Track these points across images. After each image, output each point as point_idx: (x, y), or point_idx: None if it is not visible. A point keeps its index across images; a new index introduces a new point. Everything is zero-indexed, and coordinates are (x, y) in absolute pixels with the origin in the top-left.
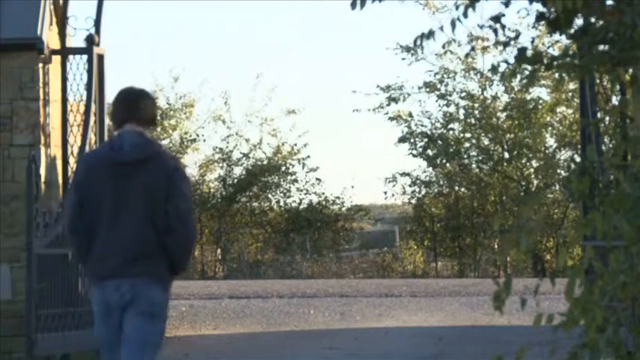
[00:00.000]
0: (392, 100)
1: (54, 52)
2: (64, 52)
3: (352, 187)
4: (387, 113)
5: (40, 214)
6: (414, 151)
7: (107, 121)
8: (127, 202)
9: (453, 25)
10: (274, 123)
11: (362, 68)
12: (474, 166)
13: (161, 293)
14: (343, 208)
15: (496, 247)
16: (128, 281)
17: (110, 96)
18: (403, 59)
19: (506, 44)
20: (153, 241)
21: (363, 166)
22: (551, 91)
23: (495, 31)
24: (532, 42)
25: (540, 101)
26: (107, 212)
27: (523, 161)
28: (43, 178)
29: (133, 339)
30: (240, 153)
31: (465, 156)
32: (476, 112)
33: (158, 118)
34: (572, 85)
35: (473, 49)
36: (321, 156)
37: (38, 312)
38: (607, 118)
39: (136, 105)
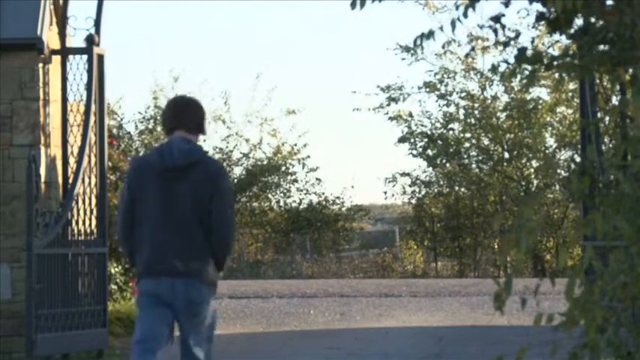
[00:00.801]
0: (392, 100)
1: (54, 52)
2: (64, 52)
3: (352, 187)
4: (387, 113)
5: (40, 214)
6: (414, 151)
7: (107, 121)
8: (176, 204)
9: (453, 25)
10: (274, 123)
11: (362, 68)
12: (473, 166)
13: (210, 291)
14: (343, 208)
15: (496, 247)
16: (181, 281)
17: (110, 96)
18: (403, 59)
19: (506, 44)
20: (200, 241)
21: (363, 166)
22: (551, 91)
23: (495, 31)
24: (532, 42)
25: (540, 101)
26: (157, 213)
27: (523, 161)
28: (43, 178)
29: (191, 337)
30: (240, 153)
31: (465, 156)
32: (476, 112)
33: (206, 124)
34: (572, 85)
35: (473, 49)
36: (321, 156)
37: (38, 312)
38: (607, 118)
39: (184, 113)
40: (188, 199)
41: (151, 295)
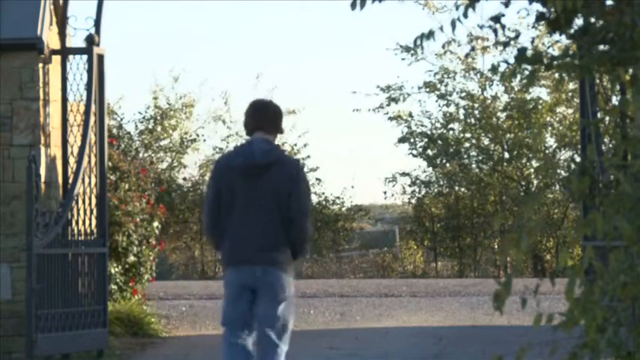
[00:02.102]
0: (392, 100)
1: (54, 52)
2: (64, 52)
3: (352, 187)
4: (387, 113)
5: (40, 214)
6: (414, 151)
7: (107, 120)
8: (257, 199)
9: (453, 25)
10: None
11: (362, 68)
12: (473, 166)
13: (287, 278)
14: (343, 208)
15: (496, 247)
16: (260, 268)
17: (110, 96)
18: (403, 59)
19: (506, 44)
20: (279, 233)
21: (363, 166)
22: (551, 91)
23: (495, 31)
24: (532, 42)
25: (540, 101)
26: (240, 208)
27: (523, 161)
28: (43, 178)
29: (267, 319)
30: None
31: (465, 156)
32: (476, 112)
33: (282, 124)
34: (572, 85)
35: (473, 49)
36: (321, 156)
37: (38, 312)
38: (607, 118)
39: (262, 116)
40: (268, 195)
41: (235, 282)
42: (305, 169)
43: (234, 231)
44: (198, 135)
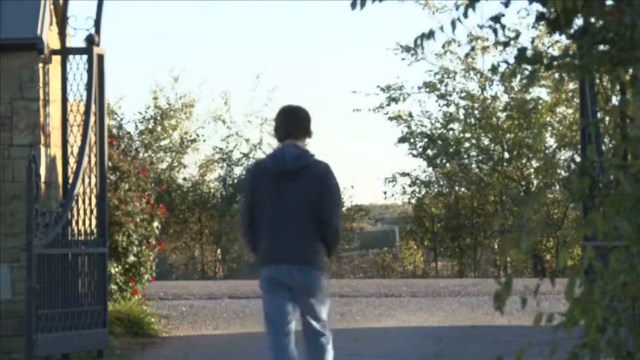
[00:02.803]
0: (392, 100)
1: (54, 52)
2: (64, 52)
3: (352, 187)
4: (387, 113)
5: (40, 214)
6: (414, 151)
7: (107, 120)
8: (290, 202)
9: (453, 25)
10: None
11: (362, 68)
12: (473, 166)
13: (321, 276)
14: (343, 208)
15: (496, 247)
16: (296, 267)
17: (110, 96)
18: (403, 59)
19: (506, 44)
20: (313, 234)
21: (363, 166)
22: (551, 91)
23: (495, 31)
24: (532, 42)
25: (540, 101)
26: (273, 210)
27: (523, 161)
28: (43, 178)
29: (309, 314)
30: (240, 153)
31: (465, 156)
32: (476, 112)
33: (311, 129)
34: (572, 85)
35: (473, 49)
36: (321, 156)
37: (38, 312)
38: (607, 118)
39: (292, 122)
40: (300, 197)
41: (272, 280)
42: (333, 171)
43: (270, 233)
44: (198, 135)
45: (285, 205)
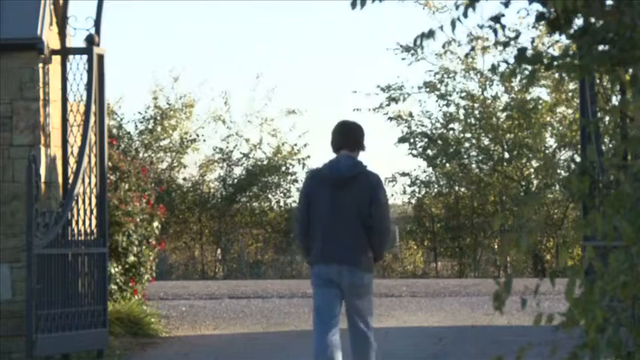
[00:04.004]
0: (392, 100)
1: (54, 52)
2: (64, 52)
3: None
4: (387, 113)
5: (40, 214)
6: (414, 151)
7: (107, 120)
8: (343, 208)
9: (453, 25)
10: (274, 123)
11: (362, 68)
12: (473, 166)
13: (368, 277)
14: None
15: (496, 247)
16: (346, 268)
17: (110, 96)
18: (403, 59)
19: (506, 44)
20: (362, 237)
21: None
22: (551, 91)
23: (495, 31)
24: (532, 42)
25: (540, 101)
26: (328, 214)
27: (523, 161)
28: (43, 178)
29: (355, 312)
30: (240, 153)
31: (465, 156)
32: (476, 112)
33: (364, 143)
34: (572, 85)
35: (473, 49)
36: (321, 156)
37: (38, 312)
38: (607, 118)
39: (348, 135)
40: (352, 204)
41: (323, 277)
42: (383, 181)
43: (324, 235)
44: (198, 135)
45: (338, 210)
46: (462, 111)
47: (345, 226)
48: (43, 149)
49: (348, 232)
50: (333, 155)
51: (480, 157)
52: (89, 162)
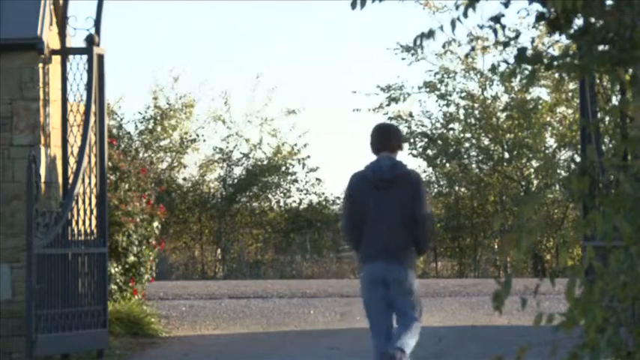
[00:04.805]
0: (392, 100)
1: (54, 52)
2: (64, 52)
3: None
4: (387, 113)
5: (40, 214)
6: (414, 151)
7: (107, 120)
8: (386, 207)
9: (453, 25)
10: (274, 123)
11: (362, 68)
12: (473, 166)
13: (412, 273)
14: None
15: (496, 247)
16: (391, 264)
17: (110, 96)
18: (403, 59)
19: (506, 44)
20: (405, 235)
21: (363, 167)
22: (551, 91)
23: (495, 31)
24: (532, 42)
25: (540, 101)
26: (372, 214)
27: (523, 161)
28: (43, 178)
29: (402, 309)
30: (240, 153)
31: (465, 156)
32: (476, 112)
33: (402, 143)
34: (572, 85)
35: (473, 49)
36: (321, 156)
37: (38, 312)
38: (607, 118)
39: (388, 137)
40: (395, 203)
41: (371, 275)
42: (423, 180)
43: (369, 233)
44: (198, 135)
45: (382, 210)
46: (462, 111)
47: (388, 224)
48: (43, 149)
49: (392, 231)
50: (366, 157)
51: (480, 157)
52: (89, 162)
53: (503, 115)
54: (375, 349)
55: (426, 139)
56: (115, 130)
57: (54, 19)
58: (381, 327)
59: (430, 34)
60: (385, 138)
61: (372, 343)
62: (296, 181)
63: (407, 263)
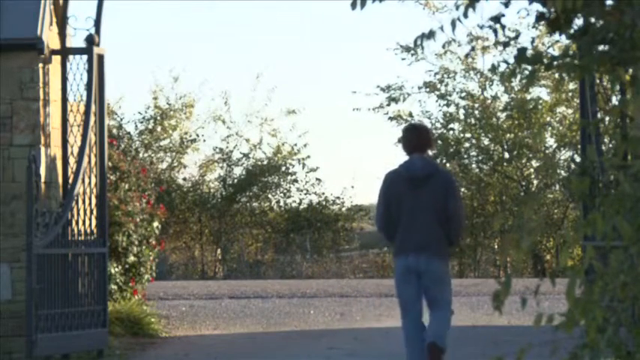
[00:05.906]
0: (392, 100)
1: (54, 52)
2: (64, 52)
3: (352, 187)
4: (387, 113)
5: (40, 214)
6: None
7: (107, 120)
8: (420, 203)
9: (453, 25)
10: (274, 123)
11: (362, 68)
12: (473, 166)
13: (445, 265)
14: (343, 208)
15: (496, 247)
16: (424, 257)
17: (110, 96)
18: (403, 59)
19: (506, 44)
20: (438, 229)
21: (363, 166)
22: (551, 91)
23: (495, 31)
24: (532, 42)
25: (540, 101)
26: (407, 210)
27: (523, 161)
28: (43, 178)
29: (433, 299)
30: (240, 153)
31: (465, 156)
32: (476, 112)
33: (433, 143)
34: (572, 85)
35: (473, 49)
36: (321, 156)
37: (38, 312)
38: (607, 118)
39: (419, 137)
40: (428, 199)
41: (404, 267)
42: (455, 177)
43: (404, 228)
44: (198, 135)
45: (416, 206)
46: (461, 111)
47: (422, 219)
48: (43, 149)
49: (424, 225)
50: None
51: (480, 157)
52: (89, 162)
53: (503, 115)
54: (404, 331)
55: None
56: (115, 130)
57: (54, 19)
58: (410, 314)
59: (430, 34)
60: (418, 139)
61: (403, 330)
62: (296, 181)
63: (439, 255)
